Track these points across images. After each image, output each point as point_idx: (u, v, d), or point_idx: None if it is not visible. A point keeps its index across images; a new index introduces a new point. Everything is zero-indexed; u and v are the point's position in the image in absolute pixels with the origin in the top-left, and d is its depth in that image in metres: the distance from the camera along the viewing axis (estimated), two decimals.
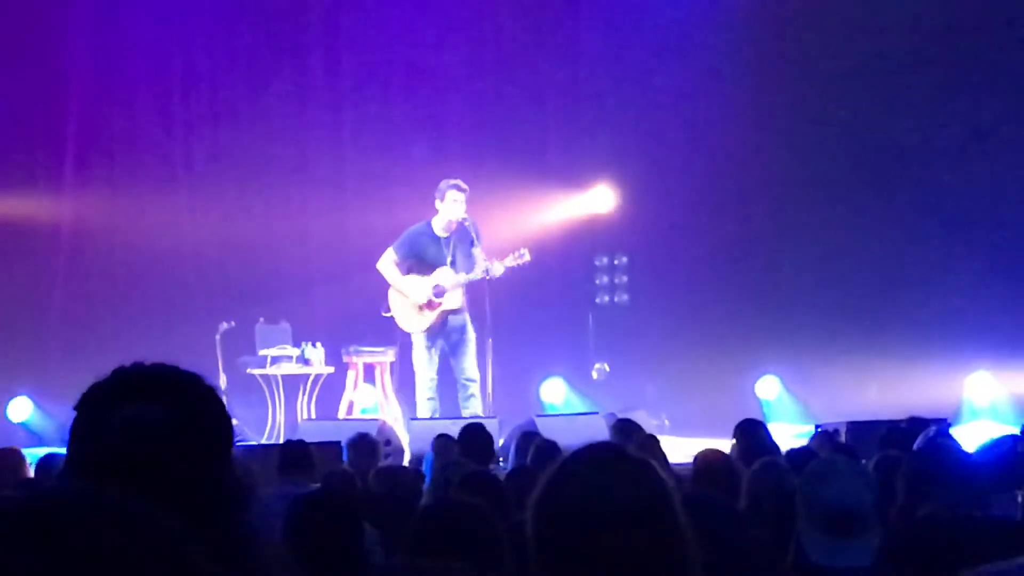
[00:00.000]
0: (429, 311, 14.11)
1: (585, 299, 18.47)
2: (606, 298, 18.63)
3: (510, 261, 13.99)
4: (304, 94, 18.36)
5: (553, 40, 18.31)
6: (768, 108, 17.53)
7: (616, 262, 18.65)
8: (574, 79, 18.39)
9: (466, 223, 14.00)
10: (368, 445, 9.37)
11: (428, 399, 14.15)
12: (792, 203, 17.45)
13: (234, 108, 17.93)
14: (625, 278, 18.63)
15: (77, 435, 2.36)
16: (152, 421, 2.27)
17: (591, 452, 2.79)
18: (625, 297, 18.59)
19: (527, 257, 14.06)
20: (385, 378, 15.60)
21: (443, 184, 14.11)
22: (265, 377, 15.64)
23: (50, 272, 17.55)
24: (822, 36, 17.26)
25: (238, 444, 9.16)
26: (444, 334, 14.19)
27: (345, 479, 7.78)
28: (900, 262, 17.02)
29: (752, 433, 8.69)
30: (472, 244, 14.02)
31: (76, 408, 2.37)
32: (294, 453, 8.42)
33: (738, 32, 17.58)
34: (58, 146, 17.75)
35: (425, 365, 14.19)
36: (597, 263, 18.67)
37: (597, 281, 18.68)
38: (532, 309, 17.04)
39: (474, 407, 13.95)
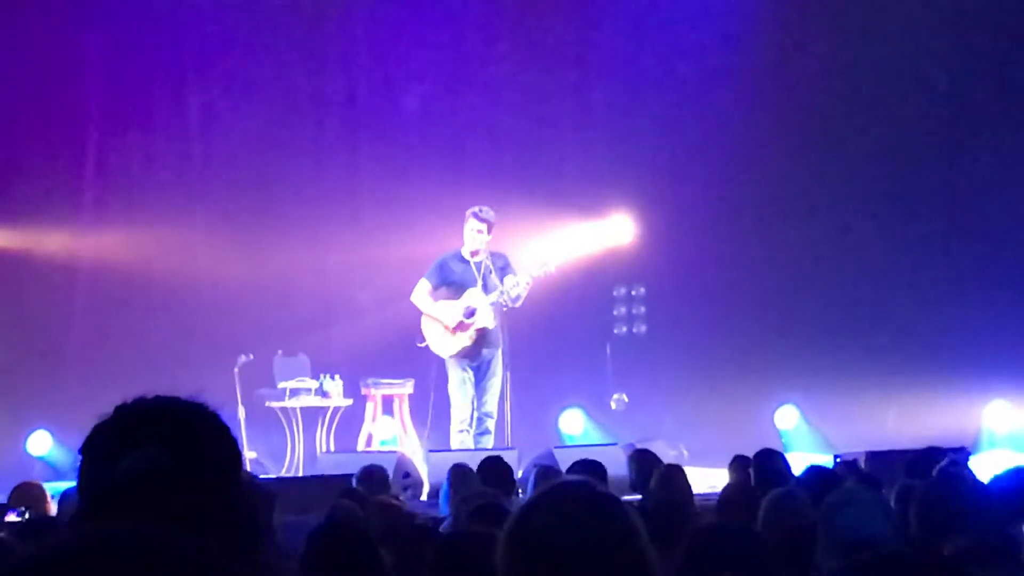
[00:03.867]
0: (462, 332, 14.09)
1: (603, 330, 18.45)
2: (624, 328, 18.62)
3: (536, 271, 14.02)
4: (322, 128, 18.41)
5: (570, 72, 18.34)
6: (787, 137, 17.51)
7: (634, 292, 18.64)
8: (591, 109, 18.40)
9: (500, 253, 14.08)
10: (378, 478, 9.35)
11: (459, 431, 14.10)
12: (810, 233, 17.42)
13: (252, 143, 17.96)
14: (643, 308, 18.61)
15: (85, 481, 2.37)
16: (153, 468, 2.26)
17: (561, 488, 2.83)
18: (643, 327, 18.57)
19: (552, 268, 14.10)
20: (404, 410, 15.60)
21: (467, 212, 14.14)
22: (284, 410, 15.64)
23: (69, 306, 17.60)
24: (843, 63, 17.26)
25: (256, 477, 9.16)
26: (476, 363, 14.18)
27: (349, 511, 7.73)
28: (918, 291, 16.95)
29: (771, 463, 8.67)
30: (505, 271, 14.03)
31: (81, 452, 2.38)
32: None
33: (758, 60, 17.58)
34: (76, 180, 17.83)
35: (459, 395, 14.16)
36: (615, 293, 18.66)
37: (615, 311, 18.67)
38: (550, 340, 17.04)
39: (486, 443, 13.89)
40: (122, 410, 2.39)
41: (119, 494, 2.25)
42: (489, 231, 14.06)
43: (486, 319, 14.01)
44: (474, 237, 14.01)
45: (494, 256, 14.14)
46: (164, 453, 2.29)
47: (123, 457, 2.28)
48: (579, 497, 2.76)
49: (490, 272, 13.98)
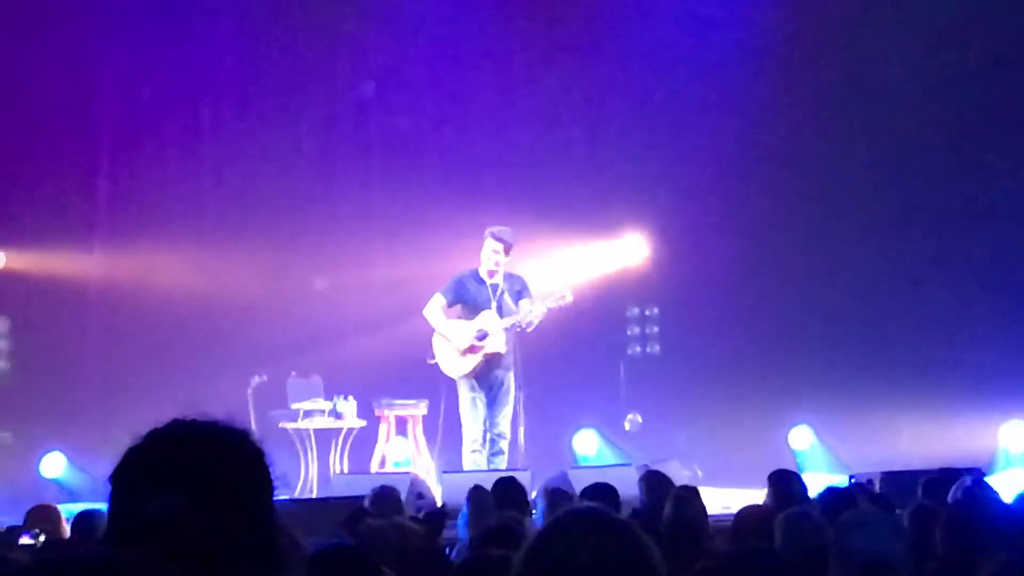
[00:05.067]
0: (472, 355, 14.05)
1: (617, 350, 18.44)
2: (638, 349, 18.61)
3: (551, 302, 13.99)
4: (334, 148, 18.44)
5: (583, 91, 18.36)
6: (801, 157, 17.51)
7: (647, 313, 18.63)
8: (604, 129, 18.41)
9: (516, 275, 14.08)
10: (391, 499, 9.33)
11: (472, 451, 14.06)
12: (824, 253, 17.40)
13: (264, 163, 17.99)
14: (656, 329, 18.60)
15: (114, 510, 2.34)
16: (181, 509, 2.24)
17: (575, 515, 2.82)
18: (657, 348, 18.57)
19: (569, 298, 14.07)
20: (417, 431, 15.59)
21: (486, 231, 14.13)
22: (297, 431, 15.63)
23: (82, 328, 17.63)
24: (858, 82, 17.26)
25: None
26: (487, 384, 14.15)
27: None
28: (933, 311, 16.92)
29: (786, 484, 8.64)
30: (521, 295, 14.02)
31: (111, 480, 2.36)
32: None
33: (772, 79, 17.58)
34: (90, 201, 17.89)
35: (470, 415, 14.11)
36: (628, 314, 18.66)
37: (628, 332, 18.66)
38: (563, 360, 17.02)
39: (500, 464, 13.86)
40: (155, 435, 2.37)
41: (141, 531, 2.22)
42: (507, 252, 14.04)
43: (498, 344, 13.98)
44: (491, 257, 13.98)
45: (511, 278, 14.13)
46: (188, 489, 2.26)
47: (152, 486, 2.26)
48: (594, 524, 2.75)
49: (505, 295, 13.97)
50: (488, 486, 9.37)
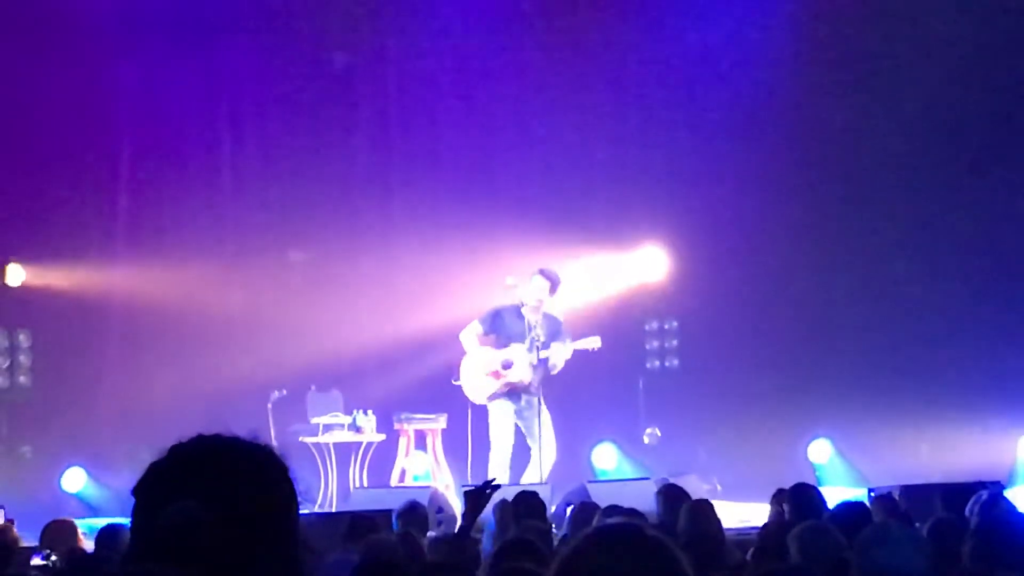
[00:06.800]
0: (494, 380, 14.22)
1: (636, 364, 18.42)
2: (657, 363, 18.60)
3: (581, 345, 14.18)
4: (354, 163, 18.46)
5: (603, 104, 18.35)
6: (820, 173, 17.52)
7: (666, 326, 18.63)
8: (623, 142, 18.39)
9: (555, 317, 14.18)
10: (419, 514, 9.35)
11: (497, 471, 14.10)
12: (843, 267, 17.40)
13: (284, 177, 18.03)
14: (675, 342, 18.60)
15: (137, 523, 2.35)
16: (200, 519, 2.26)
17: (608, 531, 2.82)
18: (676, 361, 18.55)
19: (598, 344, 14.21)
20: (436, 445, 15.59)
21: (536, 268, 14.31)
22: (317, 445, 15.63)
23: (102, 342, 17.66)
24: (884, 99, 17.25)
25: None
26: (519, 411, 14.32)
27: (389, 547, 7.75)
28: (952, 325, 16.90)
29: (805, 498, 8.63)
30: (555, 337, 14.15)
31: (134, 493, 2.37)
32: (360, 524, 8.54)
33: (790, 93, 17.57)
34: (110, 218, 17.93)
35: (501, 437, 14.33)
36: (647, 328, 18.65)
37: (647, 346, 18.66)
38: (583, 375, 16.98)
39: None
40: (177, 449, 2.38)
41: (163, 544, 2.24)
42: (552, 292, 14.23)
43: (522, 374, 14.15)
44: (535, 294, 14.17)
45: (549, 319, 14.33)
46: (210, 503, 2.27)
47: (174, 500, 2.27)
48: (629, 539, 2.76)
49: (539, 335, 14.11)
50: (510, 499, 9.39)
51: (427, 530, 9.29)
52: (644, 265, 18.16)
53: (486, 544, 8.47)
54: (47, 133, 17.27)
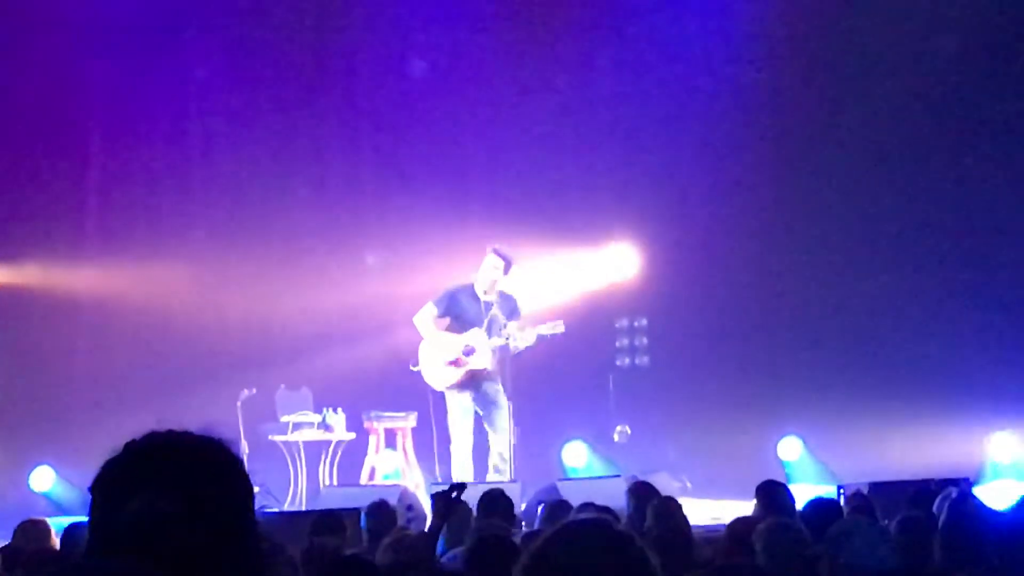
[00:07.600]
0: (456, 368, 14.12)
1: (606, 362, 18.42)
2: (627, 360, 18.60)
3: (545, 330, 14.04)
4: (323, 162, 18.45)
5: (572, 101, 18.36)
6: (791, 169, 17.54)
7: (636, 324, 18.63)
8: (593, 140, 18.40)
9: (510, 295, 14.10)
10: (387, 512, 9.33)
11: (461, 464, 14.09)
12: (814, 265, 17.42)
13: (254, 176, 18.01)
14: (645, 340, 18.60)
15: (95, 520, 2.37)
16: (163, 512, 2.28)
17: (577, 526, 2.83)
18: (646, 359, 18.56)
19: (561, 328, 14.09)
20: (407, 443, 15.60)
21: (488, 248, 14.16)
22: (287, 443, 15.63)
23: (71, 341, 17.60)
24: (853, 95, 17.28)
25: (262, 512, 9.10)
26: (477, 398, 14.20)
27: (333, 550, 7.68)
28: (922, 322, 16.94)
29: (773, 495, 8.65)
30: (512, 316, 14.06)
31: (91, 490, 2.39)
32: (327, 520, 8.49)
33: (764, 92, 17.61)
34: (78, 215, 17.86)
35: (461, 428, 14.19)
36: (618, 325, 18.65)
37: (617, 344, 18.66)
38: (552, 372, 17.00)
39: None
40: (132, 446, 2.39)
41: (123, 538, 2.25)
42: (506, 271, 14.12)
43: (483, 361, 14.05)
44: (490, 274, 14.06)
45: (504, 298, 14.20)
46: (169, 496, 2.29)
47: (132, 495, 2.29)
48: (597, 534, 2.77)
49: (497, 315, 14.01)
50: (477, 497, 9.37)
51: (394, 528, 9.25)
52: (614, 263, 18.18)
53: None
54: (15, 131, 17.20)
